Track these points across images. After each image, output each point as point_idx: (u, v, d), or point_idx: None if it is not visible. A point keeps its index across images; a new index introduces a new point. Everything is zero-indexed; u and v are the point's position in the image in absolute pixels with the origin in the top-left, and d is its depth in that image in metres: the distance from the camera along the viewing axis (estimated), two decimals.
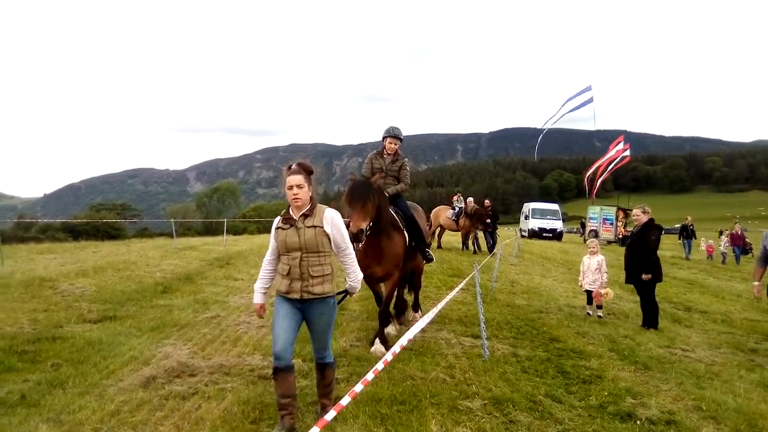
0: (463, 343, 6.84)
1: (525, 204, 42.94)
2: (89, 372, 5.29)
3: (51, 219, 65.22)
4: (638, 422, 4.58)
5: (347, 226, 5.10)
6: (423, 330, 7.19)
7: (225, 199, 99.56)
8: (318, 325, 4.20)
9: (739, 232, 23.10)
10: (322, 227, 4.09)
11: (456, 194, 21.02)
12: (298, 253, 4.04)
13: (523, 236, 33.62)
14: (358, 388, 2.70)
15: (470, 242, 20.00)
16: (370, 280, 6.44)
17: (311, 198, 4.17)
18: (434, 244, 20.25)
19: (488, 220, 19.32)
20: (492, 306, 9.28)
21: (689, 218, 25.04)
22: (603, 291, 8.96)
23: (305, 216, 4.09)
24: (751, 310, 10.23)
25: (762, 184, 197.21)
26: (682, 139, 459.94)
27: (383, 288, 6.63)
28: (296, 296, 4.07)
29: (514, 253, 19.19)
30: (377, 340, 6.37)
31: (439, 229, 20.48)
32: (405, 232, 6.62)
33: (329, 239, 4.14)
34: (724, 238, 23.71)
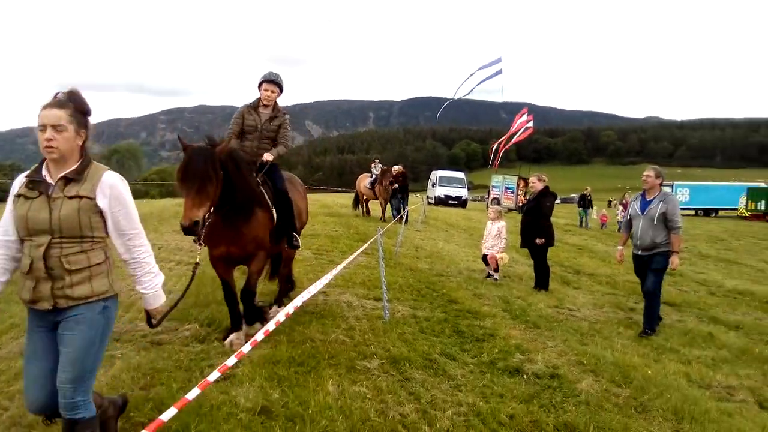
0: (364, 306, 6.92)
1: (433, 172, 43.80)
2: None
3: None
4: (525, 377, 4.85)
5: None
6: (325, 293, 7.23)
7: (125, 162, 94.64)
8: (70, 343, 2.65)
9: (628, 202, 24.50)
10: (94, 199, 2.67)
11: (373, 161, 20.66)
12: (46, 238, 2.58)
13: (429, 203, 34.37)
14: (246, 348, 2.66)
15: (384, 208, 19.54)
16: (225, 261, 5.27)
17: (82, 151, 2.73)
18: (364, 210, 20.46)
19: (396, 185, 18.60)
20: (395, 270, 9.45)
21: (588, 189, 25.86)
22: (499, 256, 9.36)
23: (67, 180, 2.65)
24: (633, 273, 11.01)
25: (651, 158, 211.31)
26: (581, 114, 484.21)
27: (250, 266, 5.42)
28: (46, 305, 2.64)
29: (419, 219, 19.57)
30: (233, 335, 5.27)
31: (364, 197, 20.46)
32: (273, 210, 5.43)
33: (104, 219, 2.75)
34: (620, 208, 25.23)
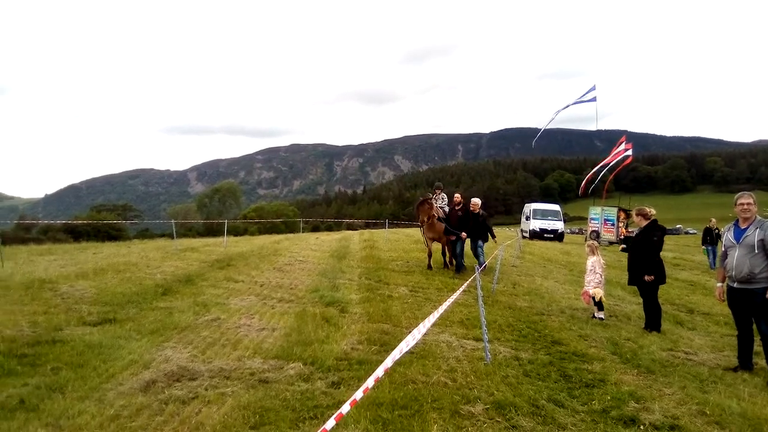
0: (464, 346, 6.79)
1: (526, 205, 42.90)
2: (89, 376, 5.25)
3: (52, 220, 65.20)
4: (642, 427, 4.53)
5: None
6: (424, 333, 7.16)
7: (226, 200, 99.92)
8: None
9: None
10: None
11: (434, 191, 15.47)
12: None
13: (524, 237, 33.60)
14: (359, 395, 2.65)
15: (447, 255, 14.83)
16: None
17: None
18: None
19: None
20: (493, 308, 9.24)
21: (713, 220, 21.42)
22: (592, 291, 9.03)
23: None
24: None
25: (763, 184, 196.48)
26: (683, 139, 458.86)
27: None
28: None
29: (515, 254, 19.14)
30: None
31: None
32: None
33: None
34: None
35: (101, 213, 71.80)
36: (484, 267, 12.74)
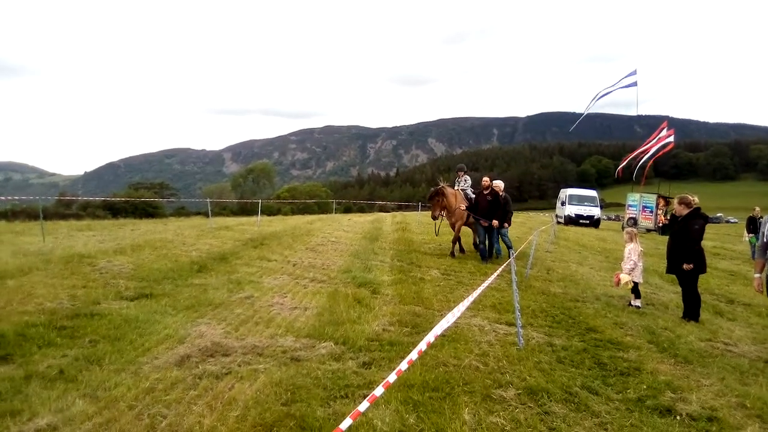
0: (497, 331, 6.73)
1: (562, 190, 42.20)
2: (125, 349, 5.36)
3: (91, 197, 66.86)
4: (678, 417, 4.43)
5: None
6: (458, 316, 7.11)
7: (260, 180, 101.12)
8: None
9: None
10: None
11: (458, 173, 14.71)
12: None
13: (559, 223, 33.13)
14: (392, 378, 2.62)
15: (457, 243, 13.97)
16: None
17: None
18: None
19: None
20: (527, 293, 9.12)
21: (757, 209, 20.46)
22: (622, 276, 8.84)
23: None
24: None
25: None
26: (727, 126, 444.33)
27: None
28: None
29: (549, 240, 18.87)
30: None
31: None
32: None
33: None
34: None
35: (139, 191, 73.28)
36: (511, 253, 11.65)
